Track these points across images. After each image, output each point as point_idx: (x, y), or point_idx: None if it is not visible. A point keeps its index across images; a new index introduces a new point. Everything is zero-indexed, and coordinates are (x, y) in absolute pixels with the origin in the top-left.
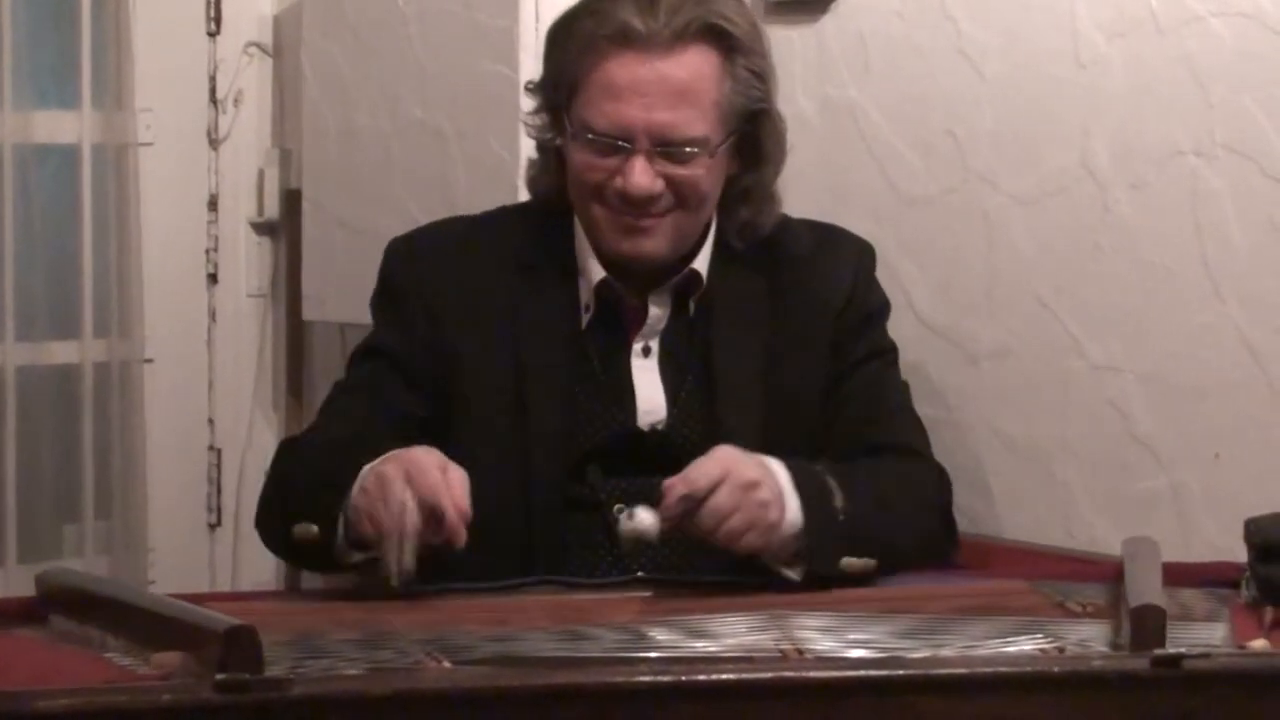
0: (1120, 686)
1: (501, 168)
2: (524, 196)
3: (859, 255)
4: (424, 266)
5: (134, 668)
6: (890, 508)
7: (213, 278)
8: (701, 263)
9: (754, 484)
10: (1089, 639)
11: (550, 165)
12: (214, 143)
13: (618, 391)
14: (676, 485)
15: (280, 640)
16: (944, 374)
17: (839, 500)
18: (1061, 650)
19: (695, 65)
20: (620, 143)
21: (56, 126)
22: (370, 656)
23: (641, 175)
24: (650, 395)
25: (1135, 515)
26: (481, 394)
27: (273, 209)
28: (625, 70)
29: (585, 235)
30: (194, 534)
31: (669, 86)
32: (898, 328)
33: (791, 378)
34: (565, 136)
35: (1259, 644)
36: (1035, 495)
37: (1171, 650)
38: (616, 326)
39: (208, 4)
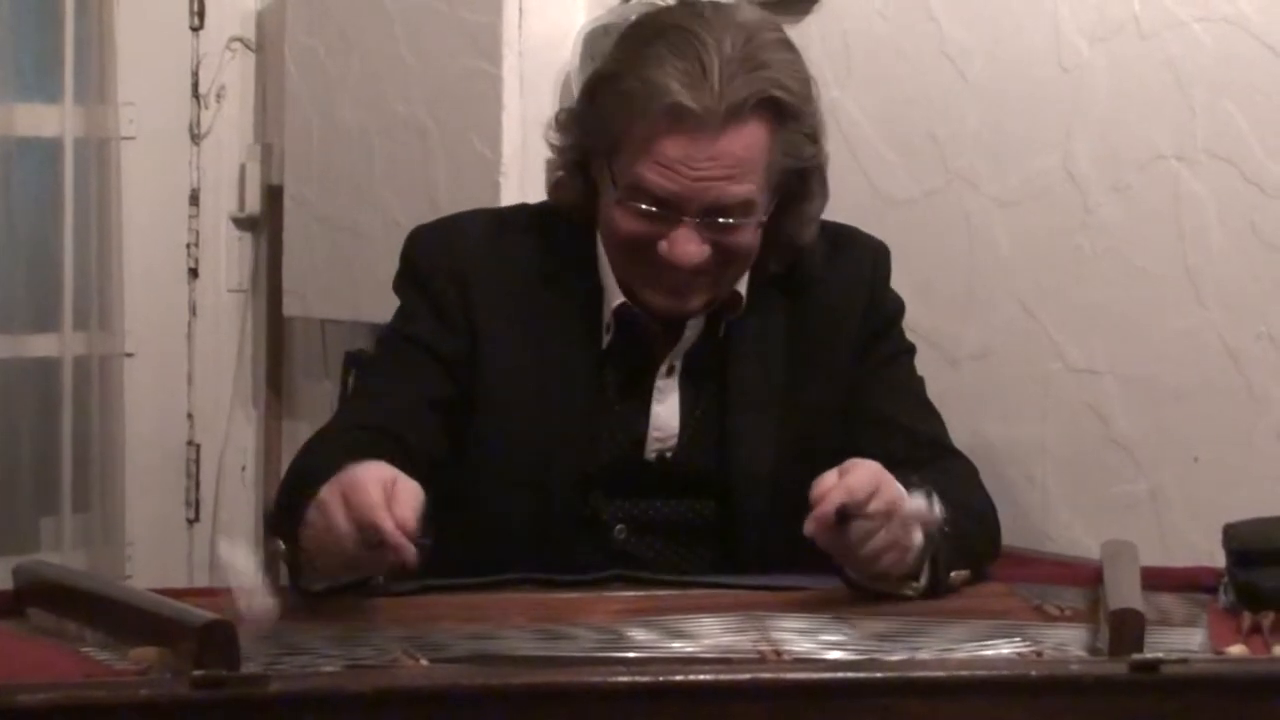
0: (1098, 691)
1: (483, 164)
2: (505, 193)
3: (874, 262)
4: (453, 252)
5: (111, 662)
6: (973, 516)
7: (193, 272)
8: (742, 284)
9: (899, 501)
10: (1067, 643)
11: (576, 184)
12: (196, 138)
13: (632, 415)
14: (835, 493)
15: (257, 636)
16: (924, 375)
17: (941, 514)
18: (1039, 654)
19: (748, 140)
20: (668, 211)
21: (39, 120)
22: (348, 653)
23: (688, 244)
24: (665, 422)
25: (1114, 518)
26: (500, 398)
27: (254, 204)
28: (677, 148)
29: (610, 261)
30: (172, 529)
31: (722, 163)
32: None
33: (812, 395)
34: (602, 182)
35: (1237, 649)
36: (1014, 497)
37: (1149, 655)
38: (638, 346)
39: None
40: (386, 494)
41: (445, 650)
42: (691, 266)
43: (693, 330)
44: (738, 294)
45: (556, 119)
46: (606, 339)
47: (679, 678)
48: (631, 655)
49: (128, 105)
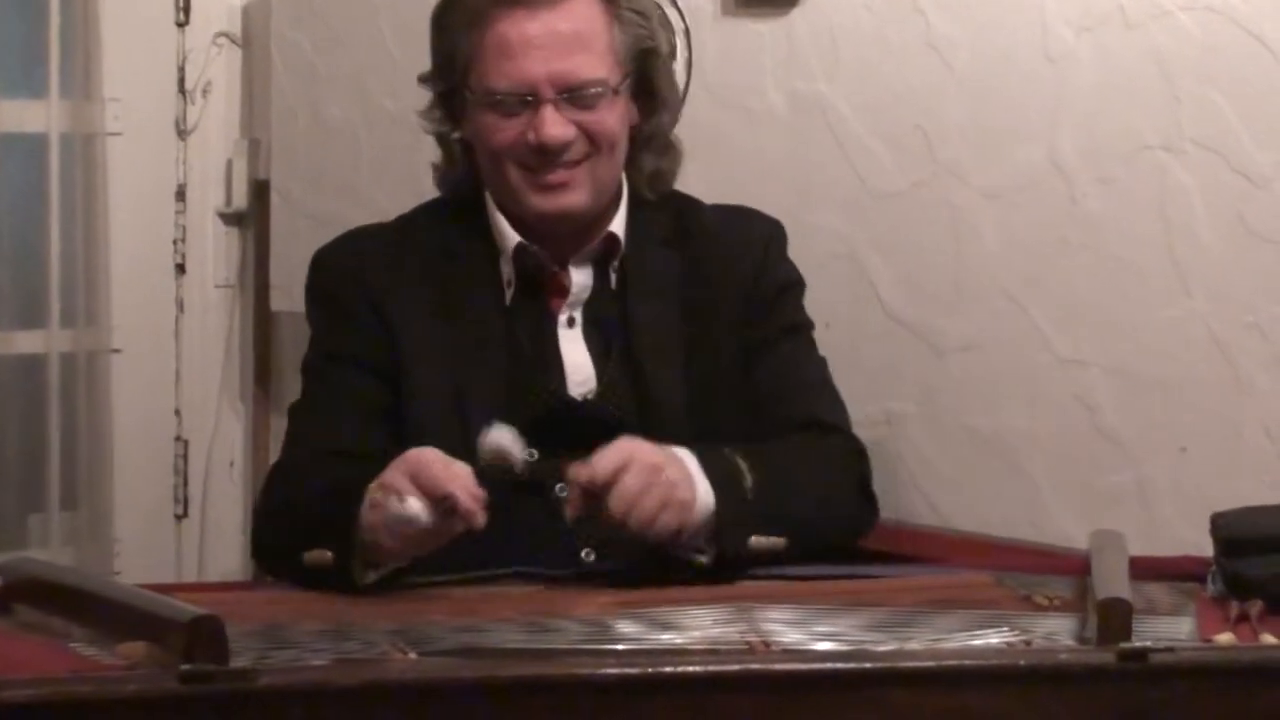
0: (1086, 680)
1: None
2: None
3: (769, 231)
4: (352, 262)
5: (99, 658)
6: (801, 485)
7: (180, 268)
8: (618, 226)
9: (659, 466)
10: (1055, 632)
11: (454, 156)
12: (182, 133)
13: (547, 363)
14: (580, 474)
15: (246, 631)
16: (911, 368)
17: (748, 480)
18: (1028, 643)
19: (581, 12)
20: (526, 98)
21: (24, 116)
22: (336, 647)
23: (553, 124)
24: (579, 365)
25: (1102, 509)
26: (422, 383)
27: (241, 199)
28: (517, 28)
29: (499, 210)
30: (160, 525)
31: (561, 35)
32: (864, 321)
33: (710, 346)
34: (467, 112)
35: (1225, 638)
36: (1002, 488)
37: (1137, 644)
38: (540, 299)
39: None
40: (448, 470)
41: (433, 643)
42: (559, 144)
43: (581, 277)
44: (616, 236)
45: (421, 81)
46: (510, 294)
47: (667, 669)
48: (620, 647)
49: (113, 101)
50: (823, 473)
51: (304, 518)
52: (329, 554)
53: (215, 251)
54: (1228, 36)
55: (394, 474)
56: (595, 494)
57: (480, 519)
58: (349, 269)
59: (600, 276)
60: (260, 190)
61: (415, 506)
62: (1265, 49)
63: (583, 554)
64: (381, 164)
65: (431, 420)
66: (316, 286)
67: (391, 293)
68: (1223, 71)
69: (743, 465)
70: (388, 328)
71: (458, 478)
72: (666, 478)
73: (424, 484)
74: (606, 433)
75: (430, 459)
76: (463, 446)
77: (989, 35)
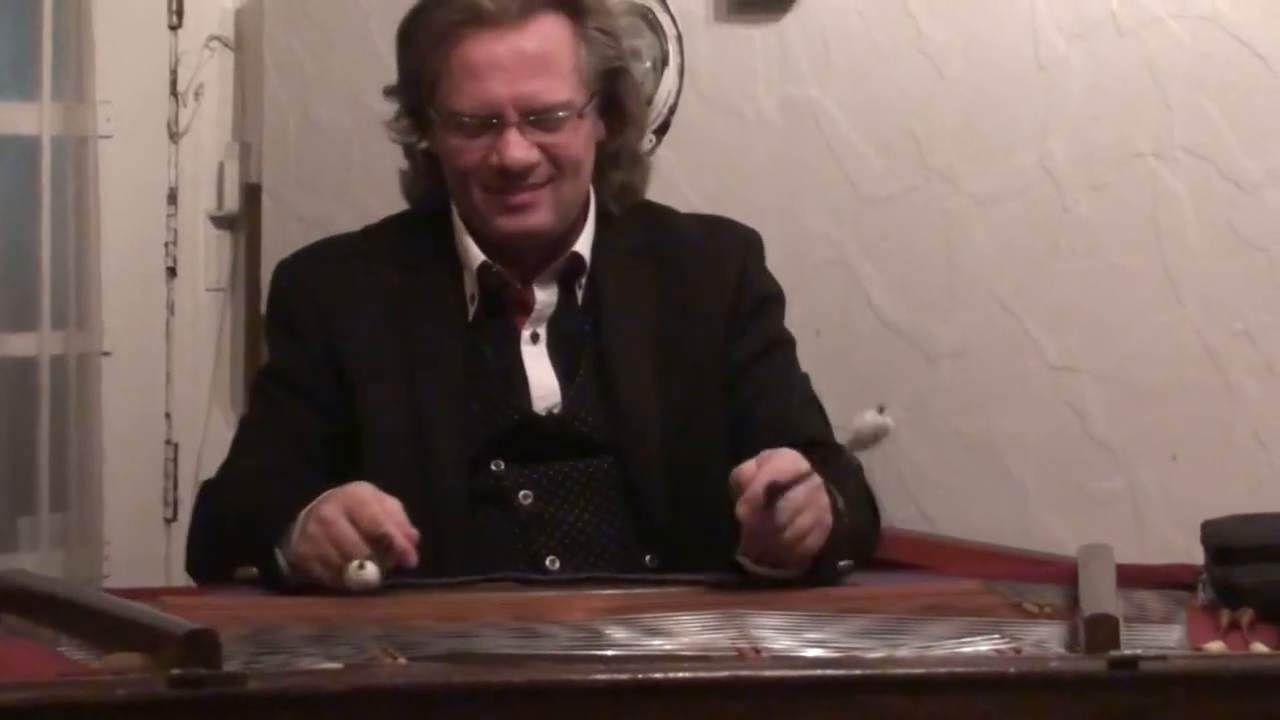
0: (1077, 688)
1: None
2: None
3: (746, 242)
4: (312, 281)
5: (89, 662)
6: (861, 508)
7: (171, 271)
8: (583, 245)
9: (821, 486)
10: (1046, 640)
11: (420, 168)
12: (174, 136)
13: (510, 379)
14: (763, 474)
15: (236, 635)
16: (902, 373)
17: (839, 502)
18: (1018, 651)
19: (547, 33)
20: (491, 120)
21: (16, 118)
22: (326, 652)
23: (516, 147)
24: (543, 381)
25: (1092, 515)
26: (379, 398)
27: (232, 203)
28: (482, 49)
29: (464, 226)
30: (150, 528)
31: (526, 57)
32: (856, 326)
33: (686, 361)
34: (432, 129)
35: (1215, 646)
36: (992, 495)
37: (1128, 652)
38: (504, 315)
39: None
40: (383, 508)
41: (423, 649)
42: (522, 167)
43: (545, 295)
44: (580, 256)
45: (388, 94)
46: (473, 310)
47: (657, 675)
48: (610, 653)
49: (105, 104)
50: (864, 494)
51: (227, 537)
52: (254, 571)
53: (206, 254)
54: (1218, 44)
55: (330, 508)
56: (775, 494)
57: (413, 558)
58: (305, 286)
59: (566, 294)
60: (251, 193)
61: (372, 573)
62: (1255, 57)
63: (547, 562)
64: (372, 167)
65: (390, 437)
66: (273, 302)
67: (349, 309)
68: (1213, 79)
69: (832, 488)
70: (340, 348)
71: (392, 516)
72: (823, 500)
73: (361, 522)
74: (572, 448)
75: (366, 496)
76: (422, 460)
77: (980, 41)
